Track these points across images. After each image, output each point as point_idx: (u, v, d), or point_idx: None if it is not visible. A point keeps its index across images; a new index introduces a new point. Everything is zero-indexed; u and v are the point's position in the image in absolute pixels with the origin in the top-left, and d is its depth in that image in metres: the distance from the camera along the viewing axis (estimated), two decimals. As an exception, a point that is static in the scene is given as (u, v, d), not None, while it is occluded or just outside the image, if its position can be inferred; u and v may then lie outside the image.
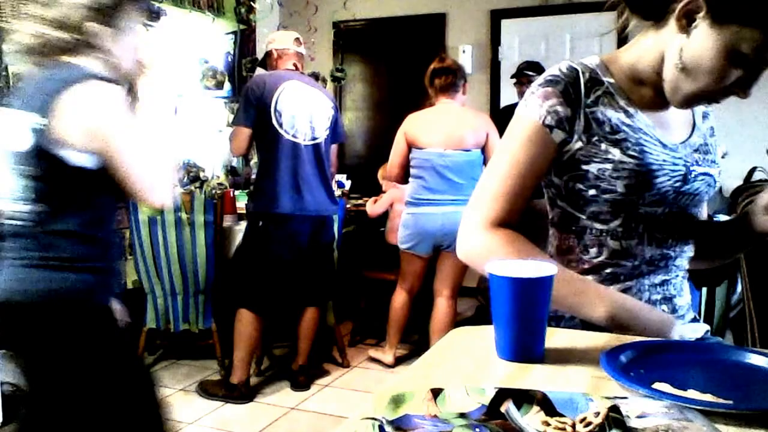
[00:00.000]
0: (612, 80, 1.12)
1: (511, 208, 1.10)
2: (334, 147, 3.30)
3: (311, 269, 3.22)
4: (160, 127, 1.43)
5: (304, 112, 3.08)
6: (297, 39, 3.28)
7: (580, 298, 1.06)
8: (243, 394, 3.08)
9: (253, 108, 3.01)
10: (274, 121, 3.01)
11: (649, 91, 1.14)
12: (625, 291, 1.14)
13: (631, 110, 1.11)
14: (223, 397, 3.08)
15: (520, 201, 1.11)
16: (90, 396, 1.39)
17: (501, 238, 1.08)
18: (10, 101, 1.37)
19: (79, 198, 1.38)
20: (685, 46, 1.03)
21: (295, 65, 3.21)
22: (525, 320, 0.92)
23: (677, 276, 1.19)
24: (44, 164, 1.32)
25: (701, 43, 1.00)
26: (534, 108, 1.10)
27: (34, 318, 1.36)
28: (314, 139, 3.11)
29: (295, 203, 3.06)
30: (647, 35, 1.11)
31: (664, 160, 1.09)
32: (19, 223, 1.36)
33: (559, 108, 1.08)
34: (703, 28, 1.00)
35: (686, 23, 1.02)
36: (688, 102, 1.09)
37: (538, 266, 0.92)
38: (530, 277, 0.90)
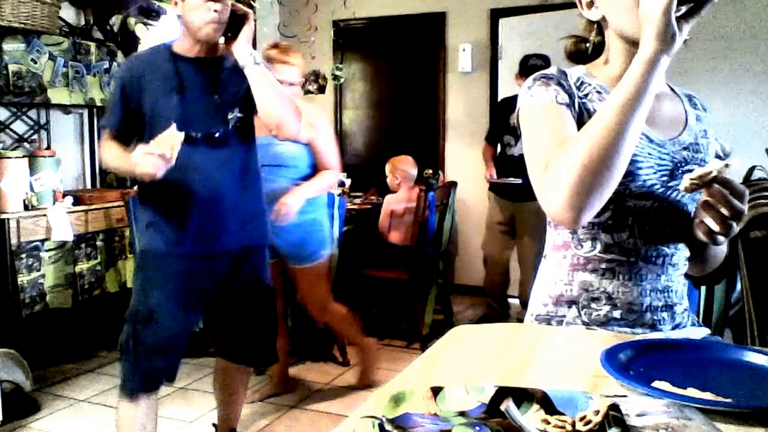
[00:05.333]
0: (600, 82, 1.17)
1: None
2: None
3: None
4: None
5: None
6: None
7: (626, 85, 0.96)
8: None
9: None
10: None
11: None
12: (625, 295, 1.15)
13: None
14: None
15: None
16: None
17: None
18: None
19: None
20: (606, 17, 1.14)
21: None
22: None
23: (678, 282, 1.20)
24: None
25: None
26: (542, 94, 1.11)
27: None
28: None
29: None
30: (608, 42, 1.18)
31: (650, 154, 1.13)
32: None
33: (562, 93, 1.11)
34: None
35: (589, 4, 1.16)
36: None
37: None
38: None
